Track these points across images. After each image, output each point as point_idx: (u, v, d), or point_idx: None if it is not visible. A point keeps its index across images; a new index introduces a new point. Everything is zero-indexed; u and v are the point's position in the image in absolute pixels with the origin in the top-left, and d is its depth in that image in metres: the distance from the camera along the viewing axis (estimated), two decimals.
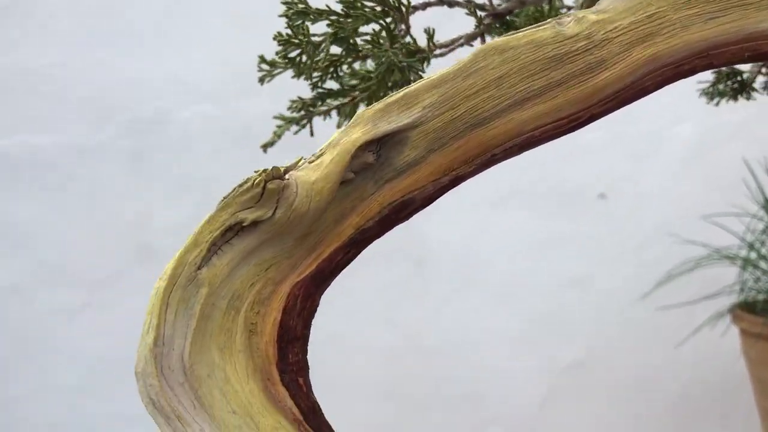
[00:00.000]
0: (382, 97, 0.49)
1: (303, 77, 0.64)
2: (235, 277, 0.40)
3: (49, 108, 1.54)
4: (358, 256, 1.66)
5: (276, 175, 0.40)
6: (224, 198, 0.41)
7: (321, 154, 0.41)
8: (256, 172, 0.41)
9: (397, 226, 1.60)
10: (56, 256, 1.57)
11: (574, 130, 0.45)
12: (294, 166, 0.41)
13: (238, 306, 0.39)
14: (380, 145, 0.42)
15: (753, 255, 1.23)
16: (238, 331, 0.39)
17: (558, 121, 0.43)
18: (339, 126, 0.68)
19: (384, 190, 0.43)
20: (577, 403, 1.56)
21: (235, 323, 0.39)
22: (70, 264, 1.59)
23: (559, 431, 1.56)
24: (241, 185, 0.39)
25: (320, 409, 0.41)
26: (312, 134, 0.75)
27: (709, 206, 1.41)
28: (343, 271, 1.71)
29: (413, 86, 0.42)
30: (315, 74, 0.63)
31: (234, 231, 0.39)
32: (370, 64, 0.66)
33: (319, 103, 0.66)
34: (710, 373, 1.51)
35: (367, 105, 0.60)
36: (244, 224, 0.39)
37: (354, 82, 0.64)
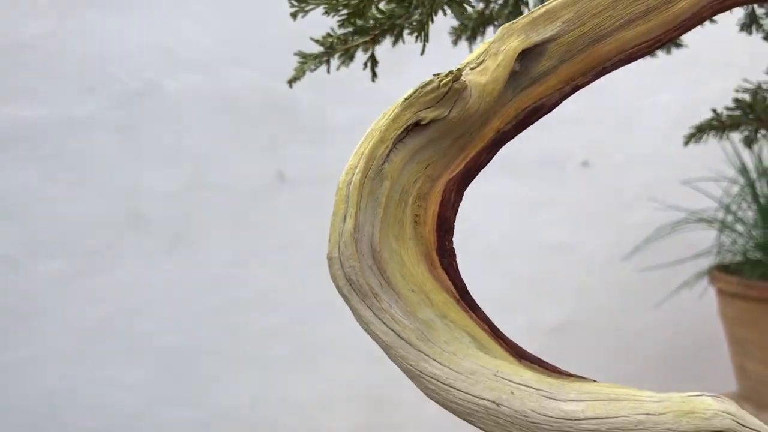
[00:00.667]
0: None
1: (332, 15, 0.67)
2: (404, 173, 0.44)
3: (38, 80, 1.54)
4: None
5: (457, 76, 0.43)
6: (406, 98, 0.45)
7: (481, 61, 0.46)
8: (435, 75, 0.44)
9: None
10: (48, 226, 1.58)
11: (654, 50, 0.50)
12: (460, 73, 0.45)
13: (405, 199, 0.44)
14: (523, 56, 0.46)
15: (730, 218, 1.28)
16: (407, 222, 0.44)
17: (648, 41, 0.48)
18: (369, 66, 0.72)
19: (520, 97, 0.48)
20: (561, 364, 1.61)
21: (405, 214, 0.44)
22: (62, 234, 1.60)
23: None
24: (425, 85, 0.44)
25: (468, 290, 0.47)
26: (328, 72, 0.76)
27: (689, 172, 1.45)
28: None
29: (552, 3, 0.47)
30: (344, 11, 0.67)
31: (407, 130, 0.44)
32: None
33: (351, 38, 0.69)
34: (689, 333, 1.57)
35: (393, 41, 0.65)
36: (422, 122, 0.43)
37: (379, 16, 0.67)
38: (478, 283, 1.64)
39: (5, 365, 1.59)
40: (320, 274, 1.69)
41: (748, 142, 0.71)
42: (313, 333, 1.63)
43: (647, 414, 0.34)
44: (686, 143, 0.73)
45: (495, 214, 1.60)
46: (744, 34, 1.55)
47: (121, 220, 1.59)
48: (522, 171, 1.58)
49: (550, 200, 1.59)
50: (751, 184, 1.25)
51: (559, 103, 0.51)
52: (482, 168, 0.49)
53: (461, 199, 0.50)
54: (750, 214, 1.28)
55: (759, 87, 0.72)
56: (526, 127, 0.50)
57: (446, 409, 0.37)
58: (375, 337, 0.40)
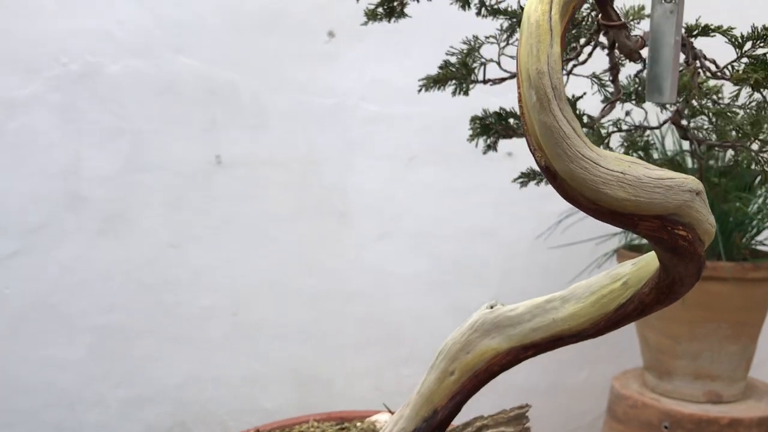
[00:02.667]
0: None
1: None
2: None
3: None
4: (287, 211, 1.76)
5: None
6: None
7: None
8: None
9: (321, 183, 1.71)
10: None
11: None
12: None
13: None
14: None
15: None
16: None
17: None
18: None
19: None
20: None
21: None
22: (0, 214, 1.63)
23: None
24: None
25: None
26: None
27: None
28: (271, 223, 1.83)
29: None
30: None
31: None
32: None
33: None
34: None
35: None
36: None
37: None
38: (406, 264, 1.71)
39: None
40: (254, 256, 1.74)
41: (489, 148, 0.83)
42: (247, 313, 1.68)
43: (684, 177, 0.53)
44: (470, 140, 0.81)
45: (424, 199, 1.67)
46: None
47: (59, 200, 1.62)
48: (450, 160, 1.66)
49: (476, 188, 1.67)
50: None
51: None
52: None
53: None
54: None
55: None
56: None
57: (590, 182, 0.49)
58: (558, 128, 0.48)
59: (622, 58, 0.74)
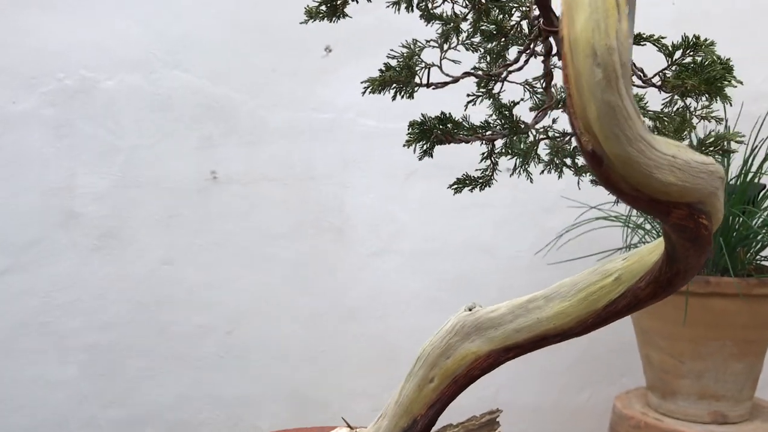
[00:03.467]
0: None
1: None
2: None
3: None
4: (283, 228, 1.73)
5: None
6: None
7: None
8: None
9: (317, 200, 1.68)
10: None
11: None
12: None
13: None
14: None
15: (635, 214, 1.34)
16: None
17: None
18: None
19: None
20: None
21: None
22: None
23: (469, 387, 1.65)
24: None
25: None
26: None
27: None
28: (267, 240, 1.80)
29: None
30: None
31: None
32: None
33: None
34: (612, 329, 1.62)
35: None
36: None
37: None
38: (404, 281, 1.68)
39: None
40: (249, 274, 1.72)
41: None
42: (242, 332, 1.65)
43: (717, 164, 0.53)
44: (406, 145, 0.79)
45: (423, 215, 1.65)
46: None
47: (52, 217, 1.60)
48: (449, 174, 1.63)
49: (476, 203, 1.64)
50: None
51: None
52: None
53: None
54: None
55: None
56: None
57: (644, 166, 0.48)
58: (622, 108, 0.46)
59: (558, 65, 0.74)
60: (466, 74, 0.75)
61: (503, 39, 0.73)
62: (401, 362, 1.66)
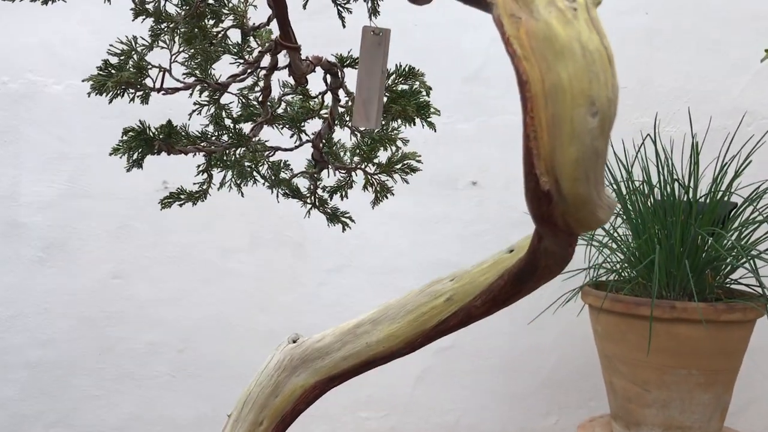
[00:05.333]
0: None
1: None
2: None
3: None
4: (240, 242, 1.66)
5: None
6: None
7: None
8: None
9: (277, 212, 1.61)
10: None
11: None
12: None
13: None
14: None
15: (601, 234, 1.28)
16: None
17: None
18: None
19: None
20: (449, 384, 1.58)
21: None
22: None
23: (431, 411, 1.58)
24: None
25: None
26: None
27: None
28: (224, 254, 1.72)
29: None
30: None
31: None
32: None
33: None
34: (578, 351, 1.56)
35: None
36: None
37: None
38: (366, 299, 1.60)
39: None
40: (204, 289, 1.64)
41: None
42: (195, 350, 1.57)
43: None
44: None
45: (386, 230, 1.58)
46: (631, 59, 1.58)
47: None
48: (414, 190, 1.57)
49: (441, 219, 1.58)
50: (623, 200, 1.25)
51: None
52: None
53: None
54: (624, 230, 1.28)
55: None
56: None
57: (594, 206, 0.47)
58: (605, 153, 0.46)
59: (283, 81, 0.77)
60: (198, 81, 0.72)
61: (210, 45, 0.70)
62: (362, 384, 1.59)
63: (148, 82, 0.68)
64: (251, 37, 0.72)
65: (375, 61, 0.71)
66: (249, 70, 0.70)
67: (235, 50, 0.72)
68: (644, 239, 1.21)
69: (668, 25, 1.53)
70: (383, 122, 0.77)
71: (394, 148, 0.83)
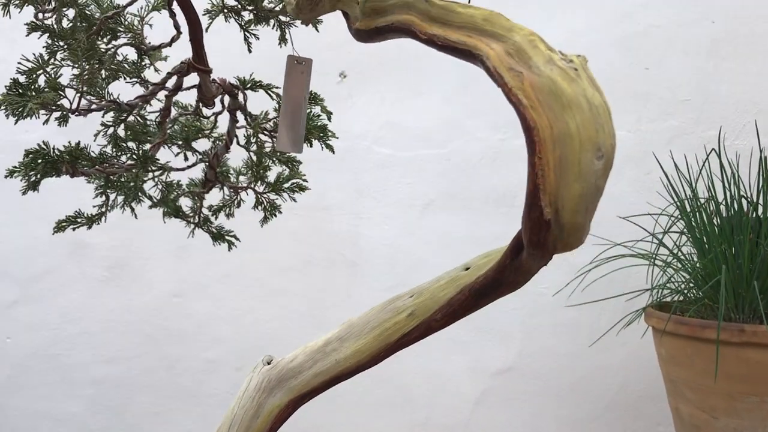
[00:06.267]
0: None
1: None
2: None
3: None
4: (295, 261, 1.67)
5: None
6: None
7: None
8: None
9: (331, 231, 1.61)
10: None
11: None
12: None
13: None
14: None
15: (665, 253, 1.22)
16: None
17: None
18: None
19: None
20: (508, 407, 1.54)
21: None
22: (3, 259, 1.59)
23: None
24: None
25: None
26: None
27: (636, 208, 1.40)
28: (279, 273, 1.72)
29: None
30: None
31: None
32: None
33: None
34: (640, 373, 1.50)
35: None
36: None
37: None
38: None
39: None
40: (260, 308, 1.65)
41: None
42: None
43: None
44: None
45: (440, 249, 1.56)
46: (695, 70, 1.51)
47: (62, 247, 1.57)
48: (467, 207, 1.55)
49: (497, 237, 1.54)
50: (687, 218, 1.20)
51: None
52: None
53: None
54: (688, 249, 1.22)
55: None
56: None
57: (586, 231, 0.54)
58: (603, 188, 0.53)
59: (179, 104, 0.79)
60: (111, 102, 0.72)
61: (100, 63, 0.70)
62: (417, 405, 1.56)
63: (65, 102, 0.68)
64: (147, 58, 0.73)
65: (298, 89, 0.75)
66: (155, 91, 0.72)
67: (132, 69, 0.73)
68: (710, 258, 1.16)
69: (735, 34, 1.47)
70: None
71: (280, 168, 0.86)
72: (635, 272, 1.35)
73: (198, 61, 0.72)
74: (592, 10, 1.51)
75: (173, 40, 0.73)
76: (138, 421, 1.59)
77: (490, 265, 0.67)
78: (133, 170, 0.75)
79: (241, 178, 0.88)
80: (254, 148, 0.85)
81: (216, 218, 0.90)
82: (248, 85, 0.80)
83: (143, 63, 0.73)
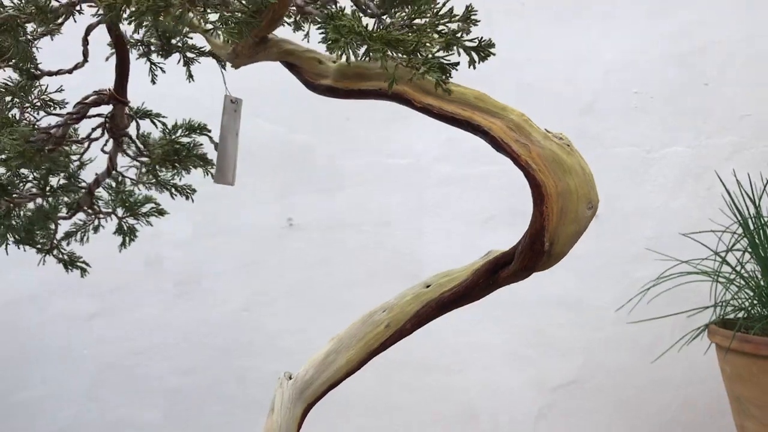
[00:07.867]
0: None
1: None
2: None
3: None
4: (359, 275, 1.72)
5: None
6: None
7: None
8: None
9: (393, 247, 1.66)
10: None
11: None
12: None
13: None
14: None
15: (728, 270, 1.23)
16: None
17: None
18: None
19: None
20: (570, 422, 1.56)
21: None
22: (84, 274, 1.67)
23: None
24: None
25: None
26: None
27: (697, 224, 1.41)
28: (344, 287, 1.78)
29: None
30: None
31: None
32: None
33: None
34: (700, 390, 1.50)
35: None
36: None
37: None
38: (483, 334, 1.62)
39: (19, 402, 1.65)
40: (327, 320, 1.71)
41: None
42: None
43: None
44: None
45: None
46: (754, 86, 1.51)
47: (139, 263, 1.65)
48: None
49: None
50: (750, 235, 1.20)
51: None
52: None
53: None
54: (752, 267, 1.23)
55: None
56: None
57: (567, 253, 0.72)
58: (588, 225, 0.71)
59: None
60: (55, 126, 0.77)
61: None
62: (479, 419, 1.59)
63: None
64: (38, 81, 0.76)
65: (232, 125, 0.83)
66: (69, 121, 0.77)
67: (21, 93, 0.76)
68: None
69: None
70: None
71: (143, 188, 0.95)
72: (696, 288, 1.36)
73: (120, 93, 0.78)
74: (651, 27, 1.52)
75: (76, 66, 0.76)
76: (210, 430, 1.65)
77: (452, 283, 0.82)
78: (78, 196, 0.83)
79: (100, 202, 0.95)
80: (133, 174, 0.93)
81: (68, 244, 0.95)
82: (139, 114, 0.88)
83: (34, 87, 0.77)
